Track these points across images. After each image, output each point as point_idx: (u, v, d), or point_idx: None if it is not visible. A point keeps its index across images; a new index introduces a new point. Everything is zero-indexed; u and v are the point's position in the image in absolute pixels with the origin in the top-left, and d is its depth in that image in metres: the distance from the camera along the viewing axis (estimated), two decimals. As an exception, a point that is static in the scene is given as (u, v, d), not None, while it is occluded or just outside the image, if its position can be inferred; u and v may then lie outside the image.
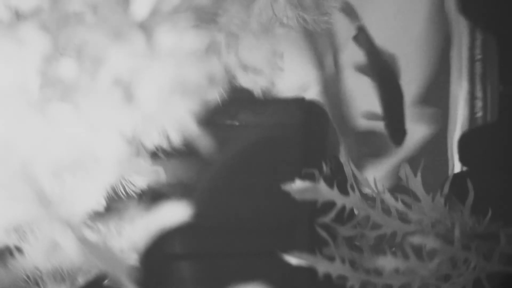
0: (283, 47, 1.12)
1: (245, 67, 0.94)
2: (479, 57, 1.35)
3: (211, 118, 0.88)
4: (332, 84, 1.39)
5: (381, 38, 1.39)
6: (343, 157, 1.33)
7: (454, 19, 1.38)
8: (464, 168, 1.34)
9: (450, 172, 1.35)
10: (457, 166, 1.34)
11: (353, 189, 1.06)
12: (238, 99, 1.14)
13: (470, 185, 1.07)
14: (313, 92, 1.37)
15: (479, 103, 1.34)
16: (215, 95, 0.84)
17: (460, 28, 1.37)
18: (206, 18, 0.89)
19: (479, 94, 1.34)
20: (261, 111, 1.24)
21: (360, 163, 1.41)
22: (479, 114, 1.34)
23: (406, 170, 1.08)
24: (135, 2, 0.83)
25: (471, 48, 1.36)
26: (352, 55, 1.40)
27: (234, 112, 1.22)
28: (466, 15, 1.37)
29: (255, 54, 0.94)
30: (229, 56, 0.92)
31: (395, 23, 1.40)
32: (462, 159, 1.34)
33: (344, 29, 1.38)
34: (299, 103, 1.27)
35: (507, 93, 1.34)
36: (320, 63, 1.38)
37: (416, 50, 1.41)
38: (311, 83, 1.38)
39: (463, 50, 1.37)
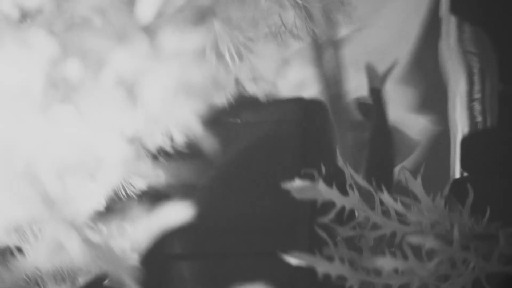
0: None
1: (252, 77, 0.94)
2: (473, 51, 1.35)
3: (214, 117, 0.88)
4: (332, 81, 1.39)
5: (381, 42, 1.40)
6: (340, 161, 1.33)
7: (445, 18, 1.39)
8: (464, 171, 1.34)
9: (451, 174, 1.35)
10: (458, 169, 1.34)
11: (352, 189, 1.06)
12: (240, 99, 1.14)
13: (469, 186, 1.07)
14: (312, 90, 1.37)
15: (477, 106, 1.34)
16: (220, 96, 0.85)
17: (449, 25, 1.38)
18: (210, 19, 0.89)
19: (477, 95, 1.34)
20: (262, 110, 1.24)
21: (357, 159, 1.41)
22: (479, 118, 1.34)
23: (405, 174, 1.09)
24: (140, 5, 0.83)
25: (460, 41, 1.36)
26: (352, 51, 1.40)
27: (237, 110, 1.22)
28: (454, 11, 1.37)
29: (263, 63, 0.95)
30: (235, 60, 0.92)
31: (394, 27, 1.41)
32: (462, 162, 1.34)
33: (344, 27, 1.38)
34: (298, 101, 1.27)
35: (507, 93, 1.34)
36: (320, 60, 1.38)
37: (412, 53, 1.41)
38: (311, 80, 1.38)
39: (451, 43, 1.37)
